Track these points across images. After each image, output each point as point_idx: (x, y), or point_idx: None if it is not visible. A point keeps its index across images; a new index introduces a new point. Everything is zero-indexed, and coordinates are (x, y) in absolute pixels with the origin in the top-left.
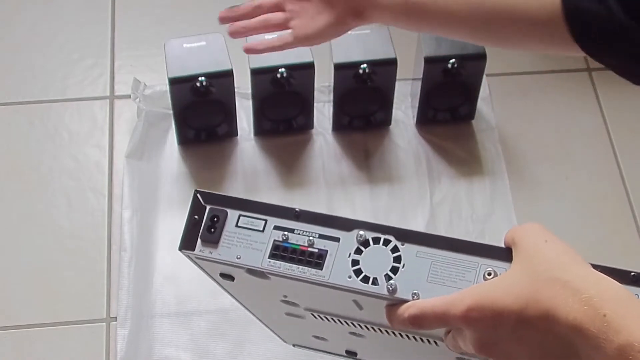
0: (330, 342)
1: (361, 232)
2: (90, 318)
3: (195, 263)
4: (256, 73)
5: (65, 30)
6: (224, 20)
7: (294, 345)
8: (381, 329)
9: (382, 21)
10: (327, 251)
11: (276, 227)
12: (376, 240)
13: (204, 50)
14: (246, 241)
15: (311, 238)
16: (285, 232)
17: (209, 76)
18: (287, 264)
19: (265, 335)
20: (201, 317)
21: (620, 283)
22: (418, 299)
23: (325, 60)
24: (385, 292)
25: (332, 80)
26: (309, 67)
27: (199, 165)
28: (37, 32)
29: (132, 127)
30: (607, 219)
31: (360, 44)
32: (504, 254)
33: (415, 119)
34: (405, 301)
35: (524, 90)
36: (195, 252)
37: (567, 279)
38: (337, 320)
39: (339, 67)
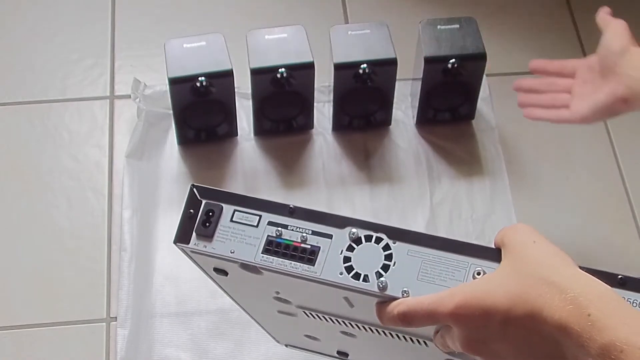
0: (322, 342)
1: (353, 230)
2: (90, 318)
3: (190, 257)
4: (256, 73)
5: (65, 30)
6: (535, 71)
7: (286, 346)
8: (372, 327)
9: None
10: (319, 248)
11: (270, 223)
12: (368, 238)
13: (204, 50)
14: (240, 236)
15: (304, 234)
16: (279, 228)
17: (209, 76)
18: (280, 259)
19: (265, 335)
20: (201, 317)
21: (608, 285)
22: (408, 296)
23: (325, 60)
24: (375, 289)
25: (332, 80)
26: (309, 67)
27: (199, 165)
28: (37, 32)
29: (132, 127)
30: (607, 219)
31: (360, 44)
32: (494, 254)
33: (415, 119)
34: (395, 298)
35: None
36: (189, 245)
37: (554, 279)
38: (328, 319)
39: (339, 67)
